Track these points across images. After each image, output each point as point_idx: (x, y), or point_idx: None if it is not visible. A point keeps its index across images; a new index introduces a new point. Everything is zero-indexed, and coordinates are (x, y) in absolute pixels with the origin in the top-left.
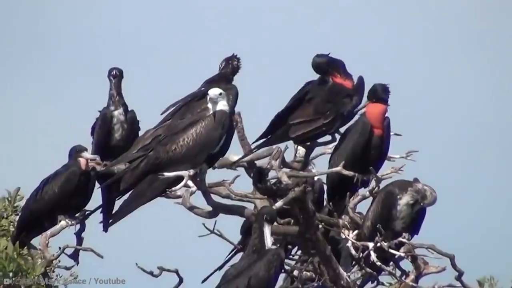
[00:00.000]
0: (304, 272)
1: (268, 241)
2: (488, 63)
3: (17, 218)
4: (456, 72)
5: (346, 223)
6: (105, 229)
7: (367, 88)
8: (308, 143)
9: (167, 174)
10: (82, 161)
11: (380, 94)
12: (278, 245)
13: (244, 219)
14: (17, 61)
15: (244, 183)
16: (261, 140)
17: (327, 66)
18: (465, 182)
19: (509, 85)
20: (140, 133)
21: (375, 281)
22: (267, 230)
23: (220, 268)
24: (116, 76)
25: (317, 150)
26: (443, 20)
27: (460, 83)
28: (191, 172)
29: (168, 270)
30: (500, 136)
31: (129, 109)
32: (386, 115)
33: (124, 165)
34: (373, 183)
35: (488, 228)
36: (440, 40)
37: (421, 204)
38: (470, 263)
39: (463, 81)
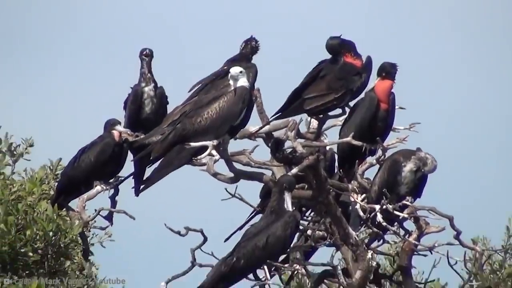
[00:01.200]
0: (316, 232)
1: (289, 206)
2: (489, 36)
3: (56, 183)
4: (454, 52)
5: (355, 187)
6: (137, 193)
7: (375, 66)
8: (321, 116)
9: (193, 144)
10: (115, 133)
11: (388, 70)
12: (294, 207)
13: (263, 184)
14: (60, 42)
15: (262, 152)
16: (279, 113)
17: (339, 47)
18: (463, 150)
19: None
20: (169, 108)
21: (381, 240)
22: (287, 196)
23: (241, 228)
24: (148, 55)
25: (329, 122)
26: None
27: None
28: (215, 142)
29: (194, 230)
30: (495, 108)
31: (158, 85)
32: (392, 90)
33: (156, 138)
34: (379, 152)
35: (483, 193)
36: (441, 19)
37: (423, 170)
38: (466, 224)
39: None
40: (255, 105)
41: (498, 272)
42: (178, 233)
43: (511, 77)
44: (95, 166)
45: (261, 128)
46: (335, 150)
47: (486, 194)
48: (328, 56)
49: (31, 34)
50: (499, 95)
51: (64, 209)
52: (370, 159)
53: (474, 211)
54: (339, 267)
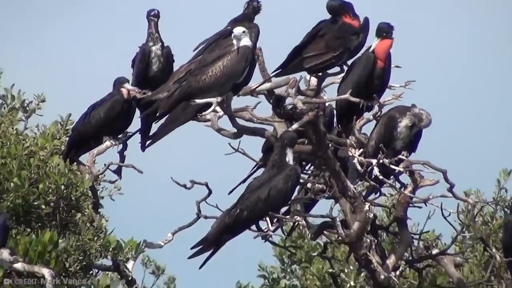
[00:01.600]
0: (316, 185)
1: (291, 160)
2: None
3: (67, 139)
4: (449, 10)
5: (352, 142)
6: (143, 148)
7: (371, 27)
8: (320, 74)
9: (198, 100)
10: (124, 91)
11: (387, 30)
12: (295, 162)
13: (265, 139)
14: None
15: (264, 109)
16: (279, 70)
17: (339, 8)
18: (455, 107)
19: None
20: (175, 67)
21: (378, 192)
22: (289, 152)
23: (244, 181)
24: (155, 16)
25: (328, 80)
26: None
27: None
28: (219, 99)
29: (199, 183)
30: (488, 64)
31: (165, 45)
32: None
33: (162, 95)
34: (376, 108)
35: (475, 148)
36: None
37: (418, 126)
38: (459, 178)
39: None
40: (257, 64)
41: (489, 224)
42: (184, 186)
43: (506, 33)
44: (105, 122)
45: (261, 84)
46: (334, 106)
47: (478, 149)
48: (327, 16)
49: None
50: (494, 51)
51: (75, 163)
52: (367, 115)
53: (466, 165)
54: (338, 219)
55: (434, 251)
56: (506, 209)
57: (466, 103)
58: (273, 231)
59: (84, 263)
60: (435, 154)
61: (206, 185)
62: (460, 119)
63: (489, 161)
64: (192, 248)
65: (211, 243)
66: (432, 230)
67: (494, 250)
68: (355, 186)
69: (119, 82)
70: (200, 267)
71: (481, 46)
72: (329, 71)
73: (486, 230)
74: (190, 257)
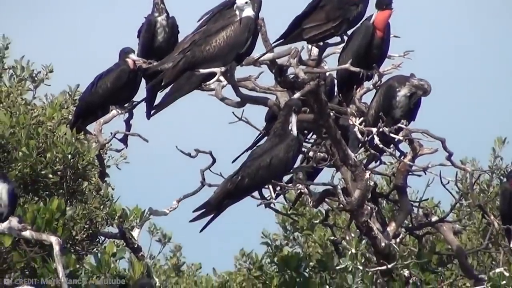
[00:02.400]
0: (318, 153)
1: (294, 127)
2: None
3: (74, 108)
4: None
5: (353, 111)
6: (148, 117)
7: None
8: (320, 44)
9: (202, 70)
10: (129, 61)
11: (386, 2)
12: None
13: (268, 108)
14: None
15: (267, 78)
16: (280, 40)
17: None
18: (453, 75)
19: None
20: (180, 37)
21: (378, 161)
22: (293, 118)
23: (247, 150)
24: None
25: (328, 50)
26: None
27: None
28: (223, 68)
29: (203, 152)
30: (485, 34)
31: (170, 15)
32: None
33: (168, 65)
34: (376, 78)
35: (471, 116)
36: None
37: (417, 94)
38: (456, 147)
39: None
40: (259, 34)
41: (486, 192)
42: (189, 155)
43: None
44: (111, 92)
45: (263, 54)
46: (335, 76)
47: (474, 117)
48: None
49: None
50: (491, 20)
51: (82, 132)
52: (367, 84)
53: (461, 133)
54: (339, 187)
55: (433, 219)
56: (502, 177)
57: (463, 72)
58: (275, 199)
59: (91, 231)
60: (432, 122)
61: (210, 153)
62: (456, 88)
63: (484, 129)
64: (194, 211)
65: (213, 208)
66: (432, 198)
67: (492, 217)
68: (355, 154)
69: (124, 53)
70: (201, 231)
71: (477, 16)
72: (330, 41)
73: (484, 198)
74: (191, 221)
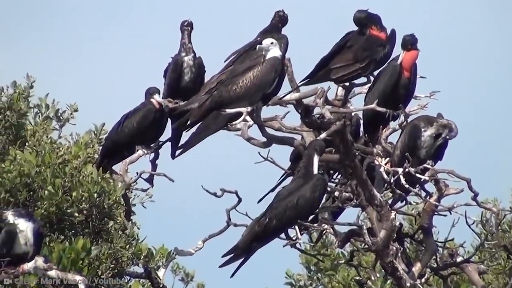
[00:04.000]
0: (343, 193)
1: (315, 167)
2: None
3: (101, 147)
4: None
5: (379, 151)
6: (173, 157)
7: (398, 38)
8: (347, 84)
9: (228, 110)
10: (154, 102)
11: (413, 42)
12: (322, 170)
13: (293, 148)
14: (106, 10)
15: (293, 118)
16: (307, 79)
17: (366, 20)
18: (480, 118)
19: None
20: (206, 77)
21: (404, 201)
22: (315, 159)
23: (273, 190)
24: (188, 25)
25: (355, 90)
26: None
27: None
28: (249, 108)
29: (229, 192)
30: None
31: (197, 55)
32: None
33: (194, 105)
34: (402, 118)
35: (496, 158)
36: None
37: (447, 137)
38: (481, 187)
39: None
40: (286, 74)
41: (508, 232)
42: (214, 194)
43: None
44: (138, 131)
45: (289, 92)
46: (361, 116)
47: (499, 160)
48: (355, 28)
49: (79, 1)
50: None
51: (108, 172)
52: (393, 124)
53: (482, 174)
54: (364, 227)
55: (458, 259)
56: None
57: (488, 113)
58: (301, 239)
59: (116, 270)
60: (460, 163)
61: (236, 193)
62: (483, 131)
63: (503, 171)
64: (223, 256)
65: (242, 251)
66: (452, 238)
67: None
68: (381, 194)
69: (149, 93)
70: (232, 276)
71: (504, 57)
72: (356, 82)
73: (509, 238)
74: (221, 266)
